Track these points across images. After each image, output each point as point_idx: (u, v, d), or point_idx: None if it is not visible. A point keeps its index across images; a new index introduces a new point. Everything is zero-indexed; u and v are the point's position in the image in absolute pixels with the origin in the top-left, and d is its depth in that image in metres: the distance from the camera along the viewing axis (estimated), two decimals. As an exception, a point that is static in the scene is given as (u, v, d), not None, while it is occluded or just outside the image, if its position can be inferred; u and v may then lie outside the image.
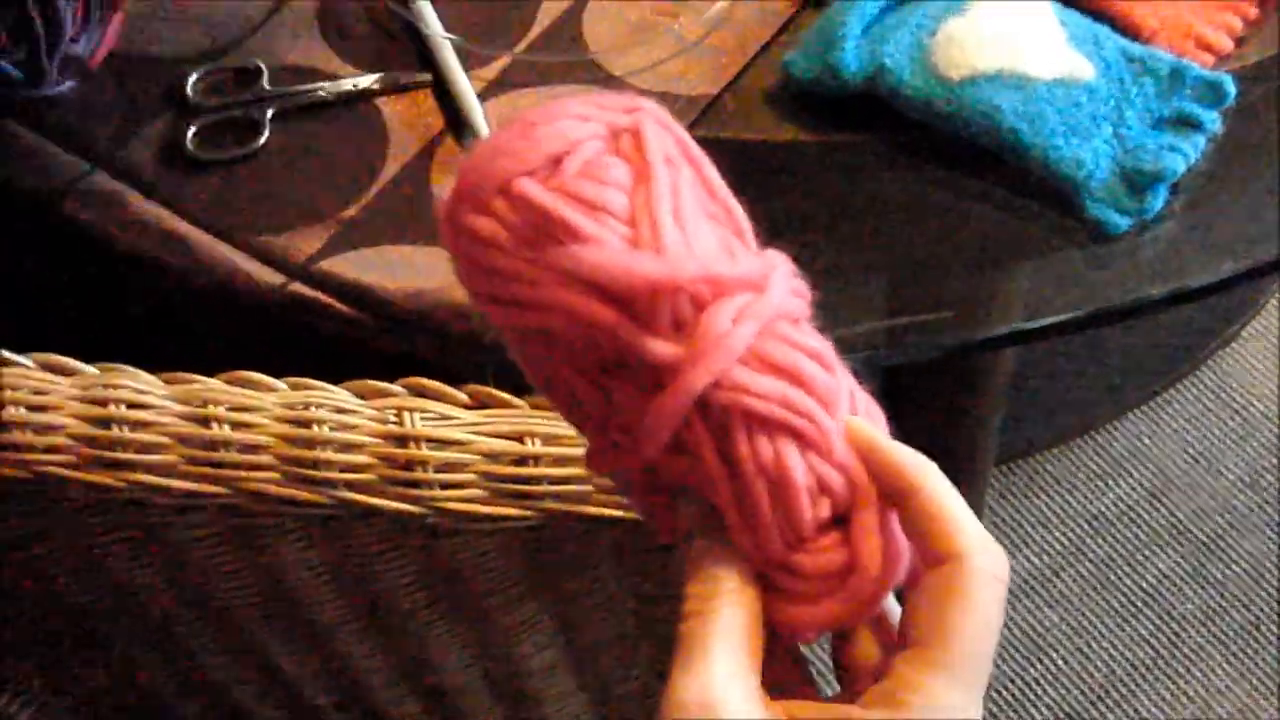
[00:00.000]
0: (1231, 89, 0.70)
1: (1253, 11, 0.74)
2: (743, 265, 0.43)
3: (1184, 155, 0.68)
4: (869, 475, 0.44)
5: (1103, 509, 1.57)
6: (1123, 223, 0.66)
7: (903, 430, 0.46)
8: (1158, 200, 0.67)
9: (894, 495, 0.44)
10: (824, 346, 0.44)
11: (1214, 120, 0.69)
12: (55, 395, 0.61)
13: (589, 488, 0.61)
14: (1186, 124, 0.69)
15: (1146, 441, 1.61)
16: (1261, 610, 1.51)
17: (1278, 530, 1.56)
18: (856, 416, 0.44)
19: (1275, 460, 1.60)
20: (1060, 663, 1.48)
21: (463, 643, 0.71)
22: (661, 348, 0.41)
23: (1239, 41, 0.74)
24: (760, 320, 0.42)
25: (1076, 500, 1.57)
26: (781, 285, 0.43)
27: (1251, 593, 1.52)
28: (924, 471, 0.44)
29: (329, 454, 0.60)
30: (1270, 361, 1.66)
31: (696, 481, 0.44)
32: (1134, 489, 1.58)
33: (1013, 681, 1.46)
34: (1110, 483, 1.57)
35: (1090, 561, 1.53)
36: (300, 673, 0.73)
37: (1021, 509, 1.56)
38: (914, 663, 0.43)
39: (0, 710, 0.76)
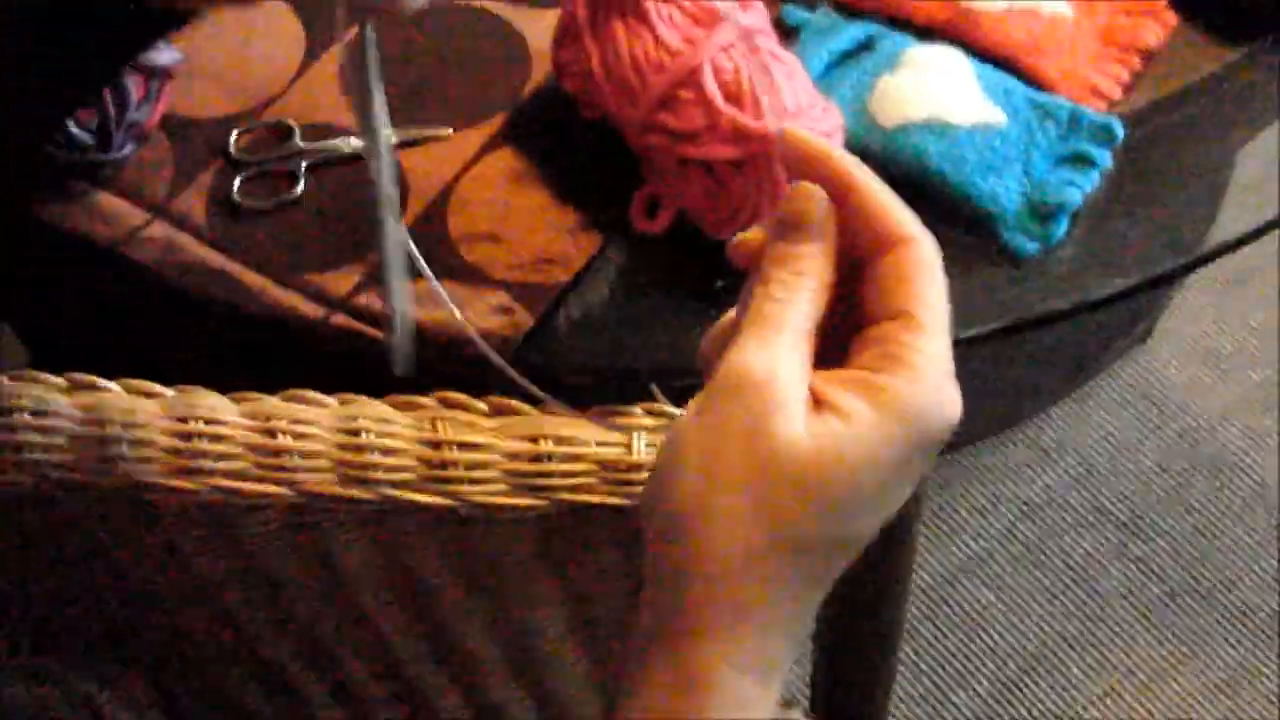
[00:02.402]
0: (1120, 130, 0.83)
1: (1137, 63, 0.87)
2: None
3: (1080, 188, 0.80)
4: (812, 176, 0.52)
5: (1032, 495, 1.69)
6: (1032, 247, 0.79)
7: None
8: (1061, 228, 0.79)
9: (836, 192, 0.51)
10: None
11: (1106, 157, 0.82)
12: (143, 414, 0.72)
13: (594, 480, 0.72)
14: (1083, 161, 0.81)
15: (1071, 433, 1.73)
16: (1176, 583, 1.64)
17: (1190, 509, 1.69)
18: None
19: (1186, 446, 1.73)
20: (996, 637, 1.60)
21: (486, 619, 0.82)
22: None
23: (1126, 89, 0.87)
24: None
25: (1008, 488, 1.69)
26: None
27: (1168, 567, 1.65)
28: (861, 169, 0.51)
29: (375, 458, 0.71)
30: (1180, 357, 1.79)
31: None
32: (1060, 476, 1.71)
33: (954, 656, 1.59)
34: (1038, 471, 1.70)
35: (1021, 544, 1.66)
36: (346, 650, 0.84)
37: (957, 497, 1.68)
38: (904, 328, 0.49)
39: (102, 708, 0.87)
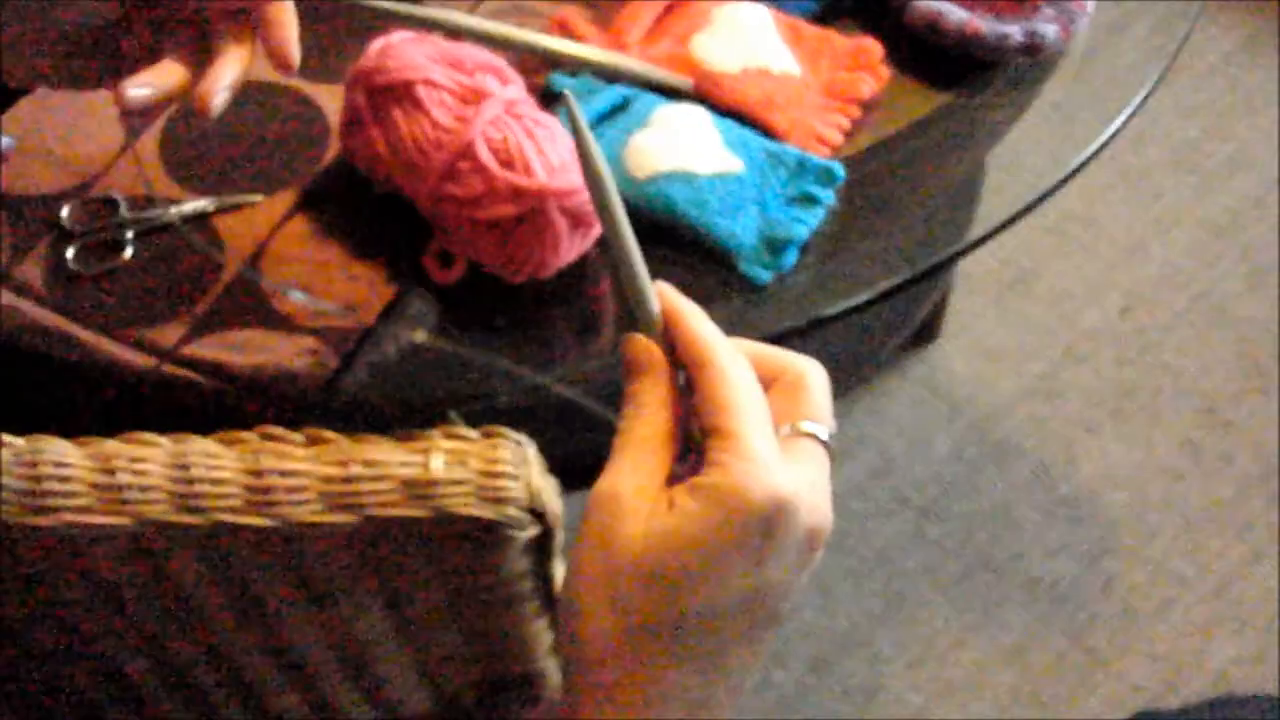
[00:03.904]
0: (841, 172, 0.95)
1: (857, 112, 1.00)
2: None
3: (806, 224, 0.93)
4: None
5: (835, 487, 1.79)
6: (766, 276, 0.92)
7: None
8: (790, 258, 0.92)
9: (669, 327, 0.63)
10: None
11: (829, 196, 0.95)
12: (-6, 461, 0.82)
13: (398, 496, 0.83)
14: (810, 201, 0.94)
15: (869, 428, 1.87)
16: (971, 560, 1.79)
17: (980, 492, 1.84)
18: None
19: (975, 435, 1.88)
20: (810, 619, 1.73)
21: (317, 624, 0.92)
22: None
23: (848, 135, 1.00)
24: None
25: (812, 480, 1.83)
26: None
27: (962, 547, 1.80)
28: (689, 309, 0.63)
29: (205, 488, 0.81)
30: (966, 354, 1.94)
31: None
32: (861, 468, 1.85)
33: (772, 639, 1.71)
34: (841, 464, 1.81)
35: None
36: (191, 659, 0.95)
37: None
38: (716, 434, 0.59)
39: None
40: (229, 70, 0.77)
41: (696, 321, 0.63)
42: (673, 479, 0.61)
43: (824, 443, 0.62)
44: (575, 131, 0.64)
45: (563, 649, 0.63)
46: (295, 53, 0.76)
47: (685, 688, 0.60)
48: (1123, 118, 1.05)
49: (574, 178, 0.88)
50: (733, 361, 0.61)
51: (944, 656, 1.71)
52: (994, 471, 1.85)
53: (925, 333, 1.89)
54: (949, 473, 1.84)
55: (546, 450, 0.83)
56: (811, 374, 0.64)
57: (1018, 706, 1.69)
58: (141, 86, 0.76)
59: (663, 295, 0.64)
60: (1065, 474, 1.84)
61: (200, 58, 0.77)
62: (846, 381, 1.73)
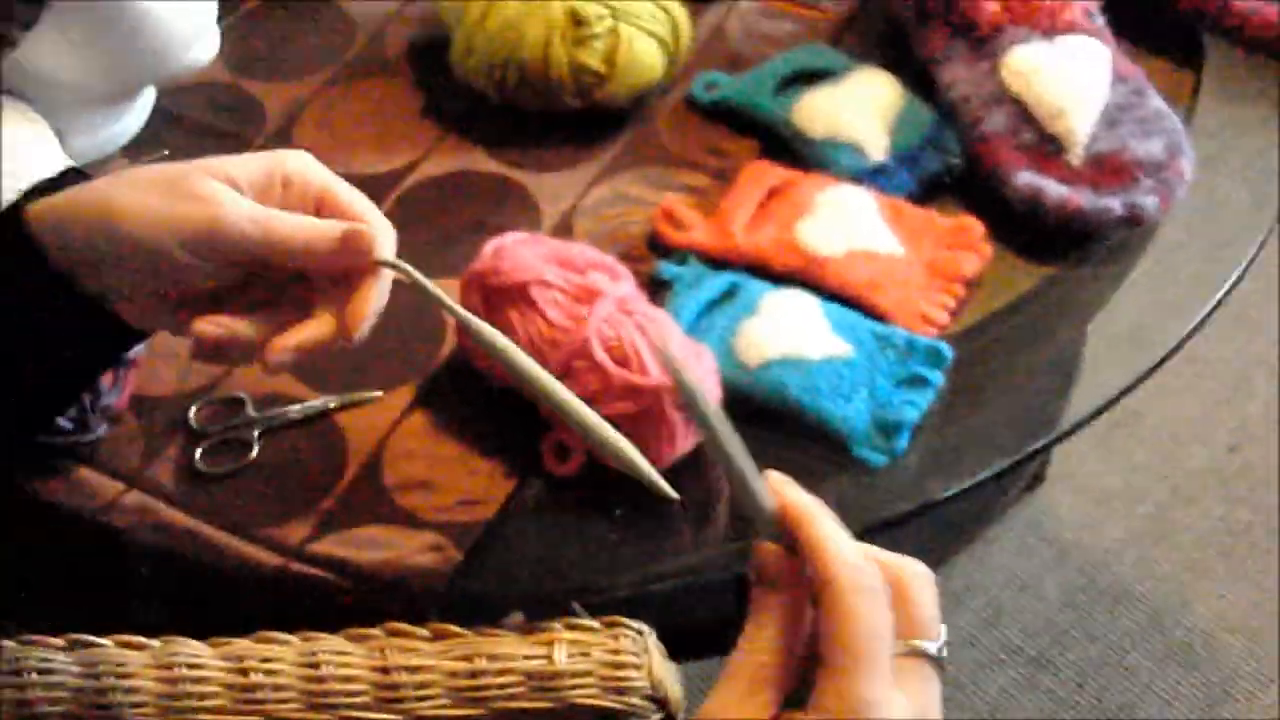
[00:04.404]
0: (948, 353, 0.97)
1: (961, 290, 1.02)
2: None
3: (917, 407, 0.94)
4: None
5: (947, 637, 1.81)
6: (879, 459, 0.93)
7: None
8: (903, 441, 0.93)
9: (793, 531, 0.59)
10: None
11: (938, 377, 0.96)
12: (133, 665, 0.84)
13: (524, 689, 0.84)
14: (919, 382, 0.95)
15: (977, 576, 1.86)
16: (1085, 710, 1.75)
17: (1092, 639, 1.82)
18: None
19: (1085, 580, 1.86)
20: None
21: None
22: None
23: (953, 314, 1.01)
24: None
25: (924, 632, 1.82)
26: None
27: (1076, 696, 1.77)
28: (808, 512, 0.60)
29: (334, 685, 0.84)
30: (1072, 498, 1.93)
31: None
32: (971, 617, 1.83)
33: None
34: (950, 614, 1.80)
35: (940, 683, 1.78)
36: None
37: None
38: (821, 672, 0.56)
39: None
40: (304, 334, 0.79)
41: (818, 526, 0.59)
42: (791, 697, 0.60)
43: (936, 660, 0.61)
44: (667, 360, 0.63)
45: None
46: (361, 329, 0.79)
47: None
48: (1236, 274, 1.07)
49: (688, 371, 0.89)
50: (856, 581, 0.58)
51: (1062, 811, 1.69)
52: (1106, 617, 1.82)
53: (1031, 478, 1.88)
54: (1060, 620, 1.82)
55: (666, 630, 0.84)
56: (917, 583, 0.61)
57: None
58: (211, 324, 0.79)
59: (780, 494, 0.61)
60: (1178, 618, 1.82)
61: (302, 316, 0.80)
62: (956, 541, 1.73)
